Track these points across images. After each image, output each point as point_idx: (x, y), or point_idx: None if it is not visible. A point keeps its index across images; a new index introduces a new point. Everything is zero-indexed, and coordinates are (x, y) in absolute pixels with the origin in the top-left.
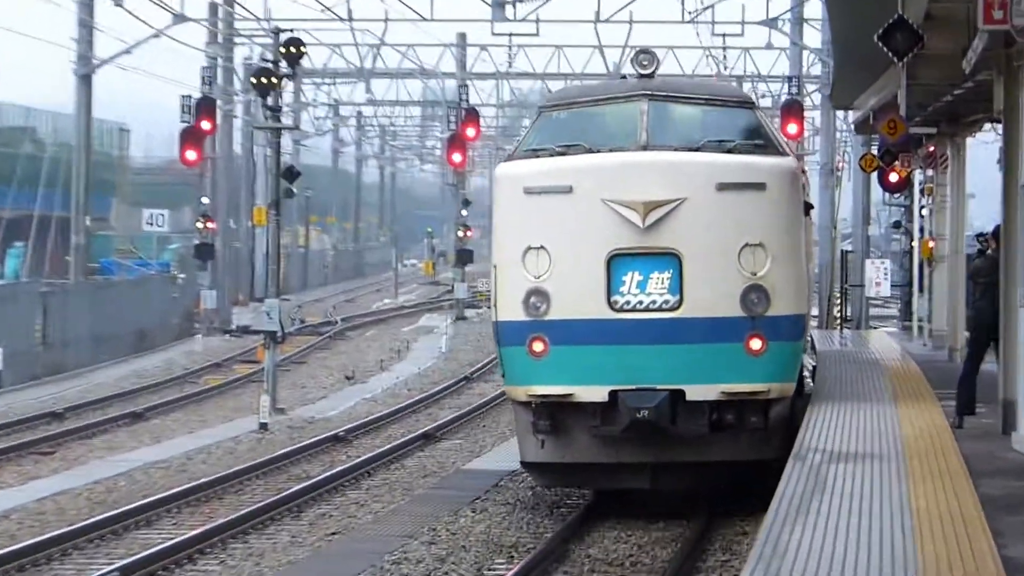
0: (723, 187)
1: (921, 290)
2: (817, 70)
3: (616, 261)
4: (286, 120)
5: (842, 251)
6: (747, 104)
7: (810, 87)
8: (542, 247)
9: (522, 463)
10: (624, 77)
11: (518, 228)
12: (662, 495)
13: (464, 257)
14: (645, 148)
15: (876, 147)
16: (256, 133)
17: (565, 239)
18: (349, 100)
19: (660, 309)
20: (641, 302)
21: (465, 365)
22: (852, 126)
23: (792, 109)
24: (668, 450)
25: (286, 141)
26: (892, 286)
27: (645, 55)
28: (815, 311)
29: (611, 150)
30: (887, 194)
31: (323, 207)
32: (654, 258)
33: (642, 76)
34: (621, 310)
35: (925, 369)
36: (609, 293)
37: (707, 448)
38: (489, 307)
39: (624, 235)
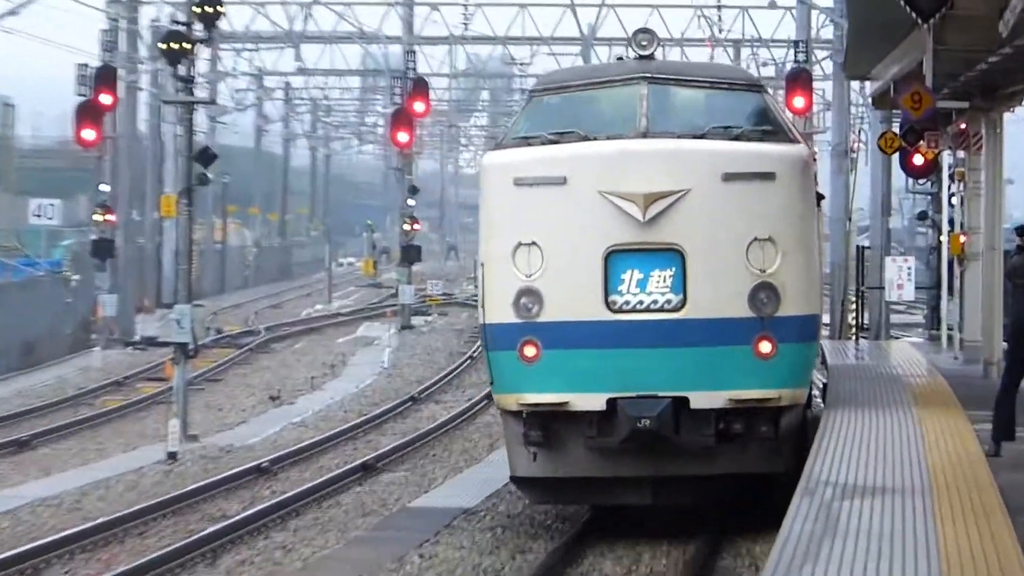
0: (730, 177)
1: (951, 293)
2: (829, 33)
3: (614, 258)
4: (200, 93)
5: (858, 247)
6: (755, 87)
7: (820, 53)
8: (534, 243)
9: (511, 478)
10: (620, 58)
11: (508, 222)
12: (661, 512)
13: (411, 255)
14: (645, 135)
15: (898, 124)
16: (165, 109)
17: (559, 234)
18: (275, 69)
19: (662, 310)
20: (641, 302)
21: (412, 383)
22: (869, 99)
23: (798, 79)
24: (670, 462)
25: (200, 118)
26: (917, 288)
27: (644, 34)
28: (826, 318)
29: (608, 137)
30: (911, 180)
31: (244, 196)
32: (655, 254)
33: (641, 57)
34: (620, 311)
35: (955, 386)
36: (606, 293)
37: (712, 460)
38: (440, 314)
39: (623, 230)
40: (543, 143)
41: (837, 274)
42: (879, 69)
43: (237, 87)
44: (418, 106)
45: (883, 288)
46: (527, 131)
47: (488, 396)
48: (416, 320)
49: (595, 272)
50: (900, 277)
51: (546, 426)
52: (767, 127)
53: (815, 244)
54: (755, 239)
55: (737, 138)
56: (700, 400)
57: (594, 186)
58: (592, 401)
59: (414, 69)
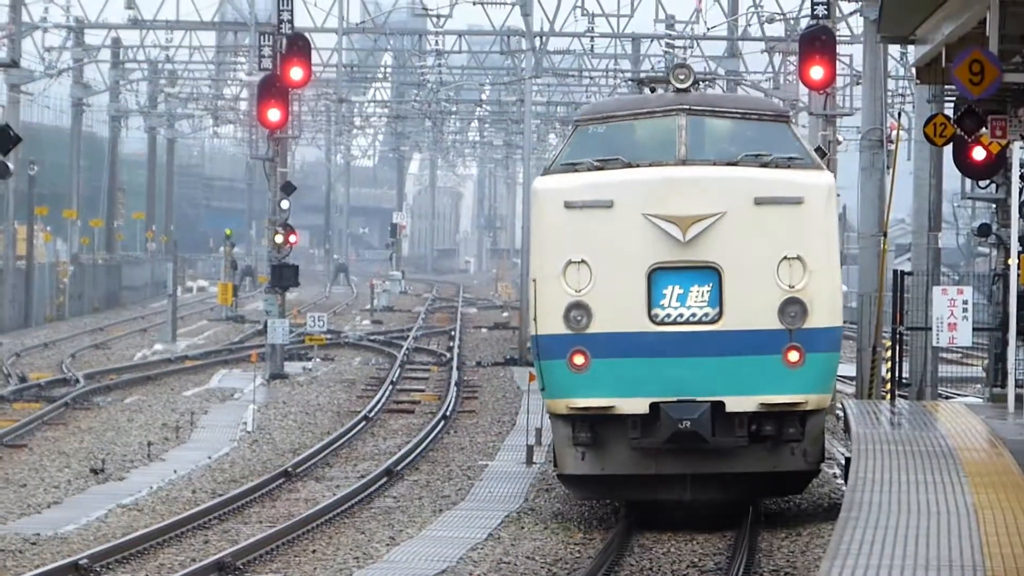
0: (761, 201)
1: (1022, 337)
2: None
3: (656, 275)
4: None
5: (896, 272)
6: (782, 118)
7: (847, 6)
8: (583, 261)
9: (559, 476)
10: (652, 89)
11: (558, 242)
12: (697, 509)
13: (284, 277)
14: (684, 163)
15: (951, 106)
16: None
17: (606, 253)
18: (100, 21)
19: (700, 322)
20: (681, 315)
21: (284, 453)
22: (913, 71)
23: (817, 42)
24: (707, 461)
25: None
26: (975, 330)
27: (682, 69)
28: (849, 369)
29: (651, 164)
30: (969, 181)
31: (58, 194)
32: (694, 271)
33: (679, 90)
34: (662, 323)
35: None
36: (650, 306)
37: (745, 459)
38: (324, 359)
39: (664, 249)
40: (589, 169)
41: (866, 309)
42: (927, 28)
43: (49, 45)
44: (295, 73)
45: (929, 329)
46: (573, 158)
47: (388, 471)
48: (291, 367)
49: (639, 287)
50: (953, 314)
51: (593, 428)
52: (793, 155)
53: (839, 262)
54: (784, 258)
55: (766, 165)
56: (734, 404)
57: (639, 209)
58: (636, 405)
59: (290, 23)
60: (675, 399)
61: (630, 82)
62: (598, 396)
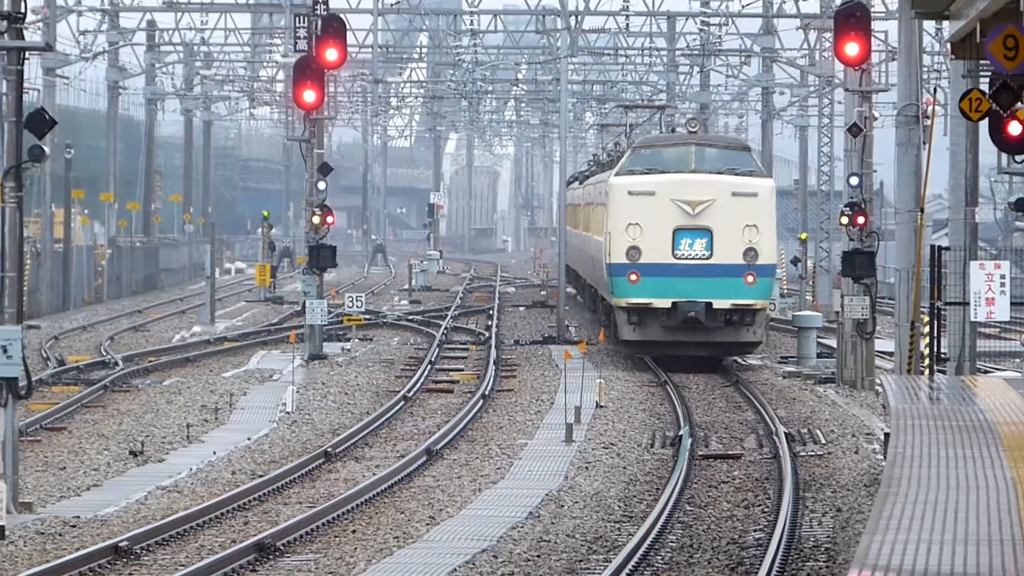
0: (736, 194)
1: None
2: None
3: (677, 232)
4: (32, 36)
5: (933, 247)
6: (746, 149)
7: None
8: (637, 223)
9: (620, 341)
10: (673, 130)
11: (624, 213)
12: (695, 360)
13: (322, 258)
14: (694, 171)
15: (987, 80)
16: None
17: (650, 219)
18: (135, 4)
19: (700, 259)
20: (691, 255)
21: (324, 434)
22: (948, 46)
23: (852, 18)
24: (702, 335)
25: (32, 70)
26: (1013, 304)
27: (694, 121)
28: (889, 345)
29: (675, 172)
30: (1005, 156)
31: (94, 177)
32: (698, 231)
33: (691, 132)
34: (680, 258)
35: None
36: (673, 249)
37: (723, 334)
38: (362, 339)
39: (682, 218)
40: (641, 173)
41: (903, 284)
42: (961, 3)
43: (84, 28)
44: (330, 54)
45: (967, 304)
46: (632, 167)
47: (427, 451)
48: (330, 347)
49: (668, 239)
50: (991, 289)
51: (640, 314)
52: (752, 169)
53: (775, 228)
54: (746, 225)
55: (738, 174)
56: (718, 304)
57: (669, 196)
58: (664, 303)
59: (325, 4)
60: (685, 300)
61: (621, 107)
62: (643, 297)
